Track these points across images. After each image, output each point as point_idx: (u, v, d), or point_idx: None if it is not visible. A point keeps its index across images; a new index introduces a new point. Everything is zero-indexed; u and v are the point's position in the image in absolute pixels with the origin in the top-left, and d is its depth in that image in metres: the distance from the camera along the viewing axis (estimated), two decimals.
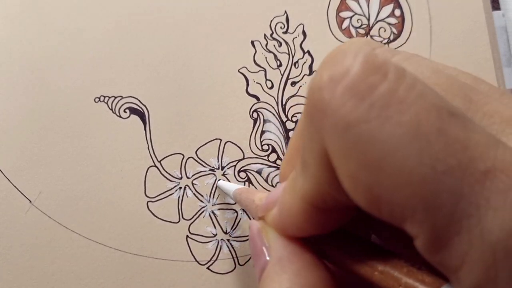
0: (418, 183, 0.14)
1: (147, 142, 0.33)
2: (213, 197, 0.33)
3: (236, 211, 0.33)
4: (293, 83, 0.34)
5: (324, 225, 0.19)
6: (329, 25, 0.35)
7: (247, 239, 0.32)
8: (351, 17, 0.36)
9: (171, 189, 0.33)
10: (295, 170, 0.19)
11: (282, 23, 0.35)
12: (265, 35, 0.35)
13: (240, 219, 0.32)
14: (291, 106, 0.34)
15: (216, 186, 0.33)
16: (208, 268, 0.32)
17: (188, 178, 0.33)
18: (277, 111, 0.34)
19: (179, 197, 0.32)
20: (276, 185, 0.33)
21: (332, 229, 0.19)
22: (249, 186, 0.33)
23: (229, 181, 0.33)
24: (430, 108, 0.14)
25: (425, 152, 0.14)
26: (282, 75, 0.35)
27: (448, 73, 0.18)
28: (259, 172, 0.33)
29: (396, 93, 0.14)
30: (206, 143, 0.33)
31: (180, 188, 0.33)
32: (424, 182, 0.14)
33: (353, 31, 0.35)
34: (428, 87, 0.15)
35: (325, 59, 0.17)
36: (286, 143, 0.34)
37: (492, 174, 0.13)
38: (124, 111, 0.33)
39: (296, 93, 0.34)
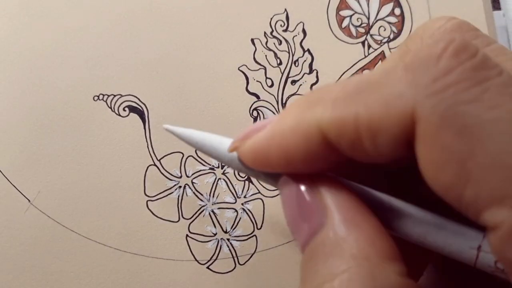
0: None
1: (147, 141, 0.33)
2: (213, 196, 0.33)
3: (236, 210, 0.33)
4: (293, 82, 0.34)
5: (316, 162, 0.17)
6: (329, 23, 0.35)
7: (247, 239, 0.32)
8: (351, 16, 0.35)
9: (171, 188, 0.32)
10: (319, 97, 0.17)
11: (282, 21, 0.35)
12: (265, 33, 0.35)
13: (240, 218, 0.32)
14: None
15: (216, 186, 0.33)
16: (208, 267, 0.32)
17: (187, 177, 0.33)
18: (277, 109, 0.34)
19: (178, 196, 0.32)
20: None
21: (320, 169, 0.18)
22: (249, 185, 0.33)
23: (230, 182, 0.33)
24: None
25: None
26: (282, 74, 0.34)
27: None
28: None
29: (510, 88, 0.15)
30: None
31: (180, 187, 0.33)
32: None
33: (353, 29, 0.35)
34: None
35: (444, 28, 0.17)
36: None
37: None
38: (123, 109, 0.33)
39: (296, 91, 0.34)
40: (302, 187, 0.18)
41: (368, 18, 0.35)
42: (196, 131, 0.24)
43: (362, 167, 0.18)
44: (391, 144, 0.15)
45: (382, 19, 0.36)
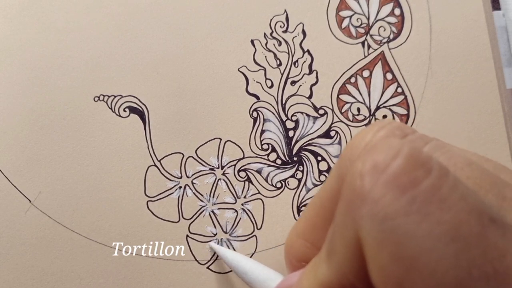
0: (453, 287, 0.13)
1: (147, 141, 0.33)
2: (213, 197, 0.33)
3: (236, 211, 0.33)
4: (293, 82, 0.34)
5: None
6: (328, 24, 0.35)
7: (247, 239, 0.32)
8: (350, 16, 0.35)
9: (171, 188, 0.33)
10: (318, 256, 0.18)
11: (282, 22, 0.35)
12: (265, 34, 0.35)
13: (240, 218, 0.33)
14: (291, 105, 0.34)
15: (217, 186, 0.33)
16: (208, 267, 0.32)
17: (188, 177, 0.33)
18: (277, 110, 0.34)
19: (179, 196, 0.32)
20: (276, 185, 0.33)
21: None
22: (249, 185, 0.33)
23: (230, 182, 0.33)
24: (472, 211, 0.14)
25: (463, 255, 0.13)
26: (282, 74, 0.34)
27: (481, 166, 0.17)
28: (259, 171, 0.33)
29: (439, 191, 0.14)
30: (206, 142, 0.33)
31: (180, 187, 0.33)
32: (458, 286, 0.13)
33: (352, 30, 0.35)
34: (469, 190, 0.15)
35: (363, 141, 0.17)
36: (286, 142, 0.34)
37: None
38: (124, 110, 0.33)
39: (296, 92, 0.34)
40: None
41: (368, 19, 0.36)
42: (243, 258, 0.28)
43: None
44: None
45: (382, 19, 0.36)
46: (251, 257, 0.32)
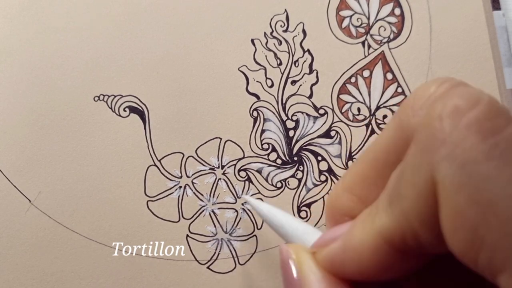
0: None
1: (147, 141, 0.33)
2: (213, 196, 0.33)
3: (236, 210, 0.33)
4: (293, 82, 0.34)
5: (391, 270, 0.17)
6: (329, 23, 0.35)
7: (248, 239, 0.32)
8: (351, 16, 0.35)
9: (171, 188, 0.33)
10: (376, 205, 0.18)
11: (282, 21, 0.35)
12: (265, 33, 0.35)
13: (240, 218, 0.32)
14: (291, 105, 0.34)
15: (217, 186, 0.33)
16: (208, 267, 0.32)
17: (188, 177, 0.33)
18: (277, 109, 0.34)
19: (179, 196, 0.32)
20: (276, 184, 0.33)
21: (394, 277, 0.18)
22: (249, 185, 0.33)
23: (230, 182, 0.33)
24: None
25: None
26: (282, 74, 0.34)
27: None
28: (259, 171, 0.33)
29: None
30: (206, 142, 0.33)
31: (180, 187, 0.33)
32: None
33: (353, 30, 0.35)
34: None
35: (421, 98, 0.16)
36: (286, 142, 0.34)
37: None
38: (124, 110, 0.33)
39: (296, 91, 0.34)
40: (292, 265, 0.20)
41: (368, 18, 0.35)
42: (279, 211, 0.26)
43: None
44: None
45: (382, 19, 0.36)
46: (251, 257, 0.32)
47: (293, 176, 0.33)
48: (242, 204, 0.33)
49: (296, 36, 0.35)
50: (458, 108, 0.15)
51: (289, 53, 0.35)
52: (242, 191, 0.33)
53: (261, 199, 0.33)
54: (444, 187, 0.14)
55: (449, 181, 0.14)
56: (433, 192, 0.15)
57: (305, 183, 0.33)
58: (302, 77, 0.35)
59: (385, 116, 0.34)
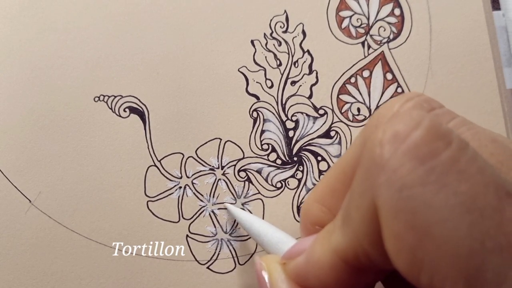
0: (465, 256, 0.13)
1: (147, 142, 0.33)
2: (213, 197, 0.33)
3: None
4: (293, 83, 0.34)
5: (349, 285, 0.18)
6: (328, 24, 0.35)
7: (247, 239, 0.32)
8: (350, 16, 0.36)
9: (171, 188, 0.33)
10: (333, 223, 0.18)
11: (282, 22, 0.35)
12: (264, 34, 0.35)
13: None
14: (291, 106, 0.34)
15: (216, 186, 0.33)
16: (208, 267, 0.32)
17: (188, 177, 0.33)
18: (277, 110, 0.34)
19: (179, 196, 0.32)
20: (276, 185, 0.33)
21: None
22: (249, 185, 0.33)
23: (230, 182, 0.33)
24: (489, 184, 0.14)
25: (477, 226, 0.13)
26: (282, 75, 0.35)
27: (505, 144, 0.18)
28: (259, 171, 0.33)
29: (458, 163, 0.14)
30: (206, 143, 0.33)
31: (180, 187, 0.33)
32: (471, 256, 0.13)
33: (352, 30, 0.35)
34: (488, 164, 0.15)
35: (390, 111, 0.17)
36: (286, 142, 0.34)
37: None
38: (124, 110, 0.33)
39: (296, 92, 0.34)
40: (265, 276, 0.21)
41: (368, 19, 0.36)
42: (257, 220, 0.28)
43: None
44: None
45: (381, 19, 0.36)
46: (251, 257, 0.32)
47: (293, 176, 0.33)
48: (242, 205, 0.33)
49: (296, 36, 0.35)
50: (397, 133, 0.15)
51: (288, 53, 0.35)
52: (242, 191, 0.33)
53: (261, 200, 0.33)
54: (384, 211, 0.15)
55: (388, 206, 0.14)
56: (376, 216, 0.15)
57: (305, 183, 0.33)
58: (302, 77, 0.35)
59: None
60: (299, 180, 0.33)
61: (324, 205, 0.21)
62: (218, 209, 0.33)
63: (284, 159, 0.34)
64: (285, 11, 0.35)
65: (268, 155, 0.34)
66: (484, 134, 0.18)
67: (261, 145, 0.34)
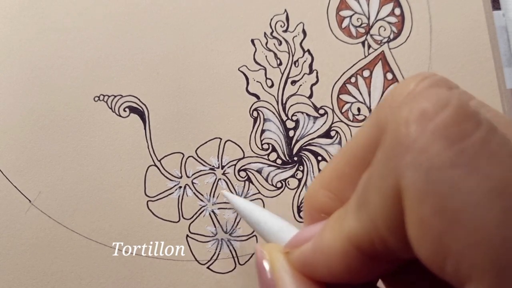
0: (496, 244, 0.13)
1: (147, 141, 0.33)
2: (213, 196, 0.33)
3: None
4: (293, 82, 0.34)
5: (360, 274, 0.17)
6: (329, 24, 0.35)
7: (247, 239, 0.32)
8: (351, 16, 0.35)
9: (171, 188, 0.33)
10: (345, 208, 0.18)
11: (282, 21, 0.35)
12: (265, 33, 0.35)
13: (241, 218, 0.32)
14: (291, 105, 0.34)
15: (217, 186, 0.33)
16: (208, 267, 0.32)
17: (188, 177, 0.33)
18: (277, 110, 0.34)
19: (179, 196, 0.32)
20: (276, 185, 0.33)
21: (365, 280, 0.18)
22: (249, 185, 0.33)
23: (230, 182, 0.33)
24: None
25: (510, 213, 0.13)
26: (282, 74, 0.34)
27: None
28: (259, 171, 0.33)
29: (489, 145, 0.14)
30: (206, 142, 0.33)
31: (180, 187, 0.33)
32: (502, 244, 0.13)
33: (353, 30, 0.35)
34: None
35: (406, 89, 0.16)
36: (286, 142, 0.34)
37: None
38: (124, 110, 0.33)
39: (296, 91, 0.34)
40: (266, 265, 0.20)
41: (368, 18, 0.35)
42: (257, 208, 0.26)
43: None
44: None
45: (382, 19, 0.36)
46: (251, 257, 0.32)
47: (293, 176, 0.33)
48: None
49: (296, 36, 0.35)
50: (425, 112, 0.14)
51: (289, 53, 0.35)
52: (242, 191, 0.33)
53: (261, 200, 0.33)
54: (409, 195, 0.14)
55: (414, 188, 0.14)
56: (399, 199, 0.14)
57: (305, 183, 0.33)
58: (302, 77, 0.35)
59: None
60: (299, 180, 0.33)
61: (331, 191, 0.20)
62: (218, 209, 0.33)
63: (284, 159, 0.34)
64: (285, 10, 0.35)
65: (268, 154, 0.33)
66: (503, 117, 0.17)
67: (261, 144, 0.34)
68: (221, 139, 0.33)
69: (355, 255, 0.17)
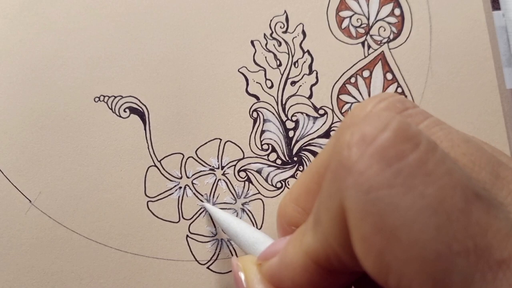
0: (431, 260, 0.13)
1: (147, 142, 0.33)
2: (213, 197, 0.33)
3: (236, 211, 0.33)
4: (293, 83, 0.34)
5: (322, 286, 0.18)
6: (328, 24, 0.35)
7: None
8: (350, 17, 0.36)
9: (171, 188, 0.33)
10: (305, 224, 0.18)
11: (282, 22, 0.35)
12: (264, 34, 0.35)
13: (240, 218, 0.32)
14: (291, 106, 0.34)
15: (217, 186, 0.33)
16: (208, 267, 0.32)
17: (188, 177, 0.33)
18: (277, 110, 0.34)
19: (179, 196, 0.32)
20: (276, 185, 0.33)
21: None
22: (249, 186, 0.33)
23: (230, 182, 0.33)
24: (456, 186, 0.14)
25: (444, 229, 0.13)
26: (282, 75, 0.35)
27: (478, 144, 0.17)
28: (259, 171, 0.33)
29: (425, 165, 0.14)
30: (206, 143, 0.33)
31: (180, 187, 0.33)
32: (437, 259, 0.13)
33: (352, 30, 0.35)
34: (457, 166, 0.15)
35: (362, 112, 0.17)
36: (286, 143, 0.34)
37: (506, 265, 0.13)
38: (124, 110, 0.33)
39: (296, 92, 0.34)
40: (242, 276, 0.21)
41: (368, 19, 0.36)
42: (234, 220, 0.28)
43: None
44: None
45: (382, 19, 0.36)
46: None
47: (293, 176, 0.33)
48: (242, 205, 0.33)
49: (295, 37, 0.35)
50: (364, 136, 0.15)
51: (288, 54, 0.35)
52: (242, 192, 0.33)
53: (261, 200, 0.33)
54: (352, 214, 0.15)
55: (355, 208, 0.14)
56: (344, 218, 0.15)
57: None
58: (302, 77, 0.35)
59: None
60: None
61: (299, 206, 0.21)
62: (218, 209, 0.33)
63: (284, 159, 0.34)
64: (285, 11, 0.35)
65: (268, 155, 0.34)
66: (457, 134, 0.18)
67: (261, 145, 0.34)
68: (221, 139, 0.33)
69: (314, 269, 0.17)
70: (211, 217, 0.32)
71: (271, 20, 0.35)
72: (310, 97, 0.34)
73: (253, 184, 0.33)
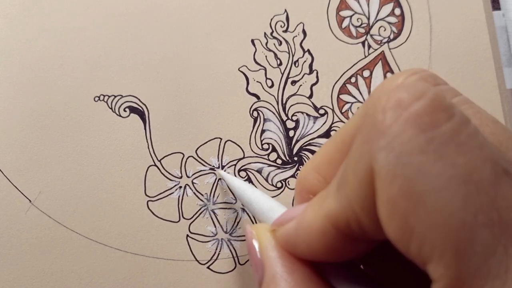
0: (456, 227, 0.14)
1: (147, 141, 0.33)
2: (213, 196, 0.33)
3: (237, 210, 0.33)
4: (293, 82, 0.34)
5: (338, 253, 0.18)
6: (329, 24, 0.35)
7: None
8: (351, 16, 0.35)
9: (171, 188, 0.33)
10: (327, 188, 0.18)
11: (282, 21, 0.35)
12: (265, 33, 0.35)
13: (241, 218, 0.33)
14: (291, 105, 0.34)
15: (217, 186, 0.33)
16: (208, 267, 0.32)
17: (188, 177, 0.33)
18: (277, 110, 0.34)
19: (179, 196, 0.32)
20: (276, 184, 0.33)
21: (343, 259, 0.19)
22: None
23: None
24: (487, 160, 0.14)
25: (471, 199, 0.14)
26: (282, 74, 0.34)
27: (505, 126, 0.18)
28: (259, 171, 0.33)
29: (458, 136, 0.14)
30: (206, 142, 0.33)
31: (180, 187, 0.33)
32: (462, 228, 0.13)
33: (353, 30, 0.35)
34: (488, 141, 0.15)
35: (395, 82, 0.17)
36: (286, 142, 0.34)
37: None
38: (124, 110, 0.33)
39: (296, 92, 0.34)
40: (255, 244, 0.21)
41: (368, 19, 0.36)
42: (249, 188, 0.27)
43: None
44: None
45: (382, 19, 0.36)
46: None
47: (293, 176, 0.33)
48: (242, 205, 0.33)
49: (296, 36, 0.35)
50: (401, 101, 0.15)
51: (289, 53, 0.35)
52: None
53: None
54: (380, 176, 0.15)
55: (385, 171, 0.15)
56: (372, 180, 0.15)
57: None
58: (302, 77, 0.35)
59: None
60: None
61: (321, 174, 0.21)
62: (219, 209, 0.33)
63: (284, 158, 0.34)
64: (285, 10, 0.35)
65: (268, 154, 0.34)
66: (486, 114, 0.18)
67: (262, 144, 0.34)
68: (221, 139, 0.33)
69: (332, 233, 0.17)
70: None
71: (271, 19, 0.35)
72: (310, 96, 0.34)
73: (253, 184, 0.33)
